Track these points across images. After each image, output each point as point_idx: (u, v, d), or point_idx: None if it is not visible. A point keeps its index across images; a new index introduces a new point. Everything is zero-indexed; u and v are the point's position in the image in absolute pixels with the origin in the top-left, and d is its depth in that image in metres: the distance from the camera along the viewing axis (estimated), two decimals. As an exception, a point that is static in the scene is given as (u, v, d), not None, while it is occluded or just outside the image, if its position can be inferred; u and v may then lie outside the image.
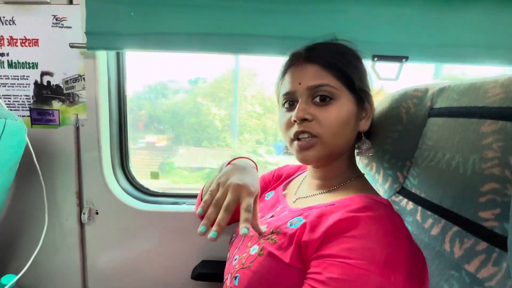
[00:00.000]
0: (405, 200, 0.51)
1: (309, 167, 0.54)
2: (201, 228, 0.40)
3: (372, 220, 0.36)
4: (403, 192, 0.52)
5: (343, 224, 0.37)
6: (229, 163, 0.51)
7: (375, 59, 0.72)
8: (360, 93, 0.46)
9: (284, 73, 0.50)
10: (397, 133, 0.53)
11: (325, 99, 0.44)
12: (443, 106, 0.45)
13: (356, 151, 0.51)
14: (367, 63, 0.70)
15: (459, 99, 0.41)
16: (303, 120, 0.44)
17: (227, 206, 0.41)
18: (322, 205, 0.42)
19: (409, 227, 0.49)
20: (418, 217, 0.47)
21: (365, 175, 0.52)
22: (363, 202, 0.39)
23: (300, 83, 0.45)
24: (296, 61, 0.48)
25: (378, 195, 0.47)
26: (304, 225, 0.41)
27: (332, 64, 0.44)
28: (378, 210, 0.38)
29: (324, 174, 0.51)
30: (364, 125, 0.49)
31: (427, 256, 0.43)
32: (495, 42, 0.72)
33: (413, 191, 0.49)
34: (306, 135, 0.44)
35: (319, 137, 0.44)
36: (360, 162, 0.64)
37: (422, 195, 0.46)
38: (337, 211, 0.39)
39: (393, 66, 0.74)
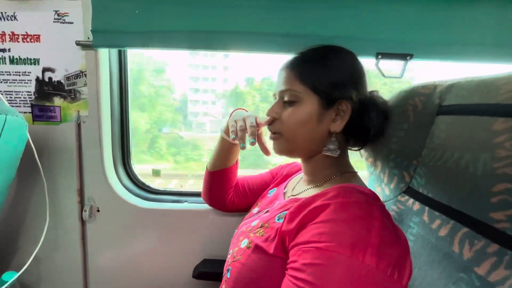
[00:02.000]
0: (412, 200, 0.50)
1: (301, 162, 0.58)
2: (241, 144, 0.55)
3: (343, 205, 0.38)
4: (410, 192, 0.51)
5: (315, 212, 0.39)
6: (232, 113, 0.65)
7: (379, 57, 0.70)
8: (327, 96, 0.47)
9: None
10: (403, 132, 0.52)
11: (291, 102, 0.49)
12: (452, 103, 0.43)
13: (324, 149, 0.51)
14: (371, 61, 0.71)
15: (469, 96, 0.40)
16: (273, 118, 0.51)
17: (251, 124, 0.56)
18: (305, 197, 0.43)
19: (415, 228, 0.48)
20: (425, 218, 0.46)
21: (357, 173, 0.52)
22: (340, 190, 0.40)
23: (278, 87, 0.52)
24: (282, 66, 0.53)
25: (365, 186, 0.46)
26: (285, 216, 0.43)
27: (299, 68, 0.49)
28: (352, 197, 0.39)
29: (308, 169, 0.54)
30: (336, 127, 0.48)
31: (434, 257, 0.42)
32: (502, 40, 0.71)
33: (420, 191, 0.48)
34: (272, 132, 0.53)
35: (281, 133, 0.50)
36: (366, 161, 0.63)
37: (430, 195, 0.45)
38: (315, 200, 0.40)
39: (398, 64, 0.72)
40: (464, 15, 0.70)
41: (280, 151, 0.52)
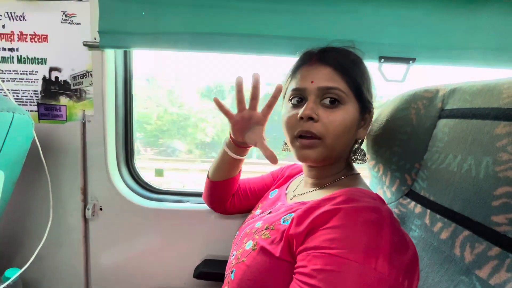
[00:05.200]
0: (413, 203, 0.50)
1: (304, 166, 0.55)
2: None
3: (354, 210, 0.37)
4: (411, 194, 0.51)
5: (325, 216, 0.38)
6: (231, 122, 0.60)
7: (382, 60, 0.71)
8: (365, 103, 0.47)
9: (295, 70, 0.50)
10: (406, 135, 0.52)
11: (334, 102, 0.45)
12: (454, 107, 0.44)
13: (352, 157, 0.52)
14: (374, 65, 0.71)
15: (471, 100, 0.41)
16: (310, 119, 0.45)
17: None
18: (313, 201, 0.43)
19: (417, 231, 0.48)
20: (427, 221, 0.46)
21: (359, 174, 0.52)
22: (349, 194, 0.39)
23: (312, 82, 0.46)
24: (309, 61, 0.48)
25: (369, 189, 0.46)
26: (293, 219, 0.42)
27: (346, 70, 0.45)
28: (362, 202, 0.38)
29: (318, 174, 0.52)
30: (362, 134, 0.50)
31: (435, 260, 0.42)
32: (504, 45, 0.71)
33: (422, 193, 0.48)
34: (308, 135, 0.45)
35: (322, 138, 0.45)
36: (368, 164, 0.63)
37: (431, 198, 0.45)
38: (324, 205, 0.40)
39: (400, 67, 0.73)
40: (466, 20, 0.70)
41: (316, 159, 0.46)
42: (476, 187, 0.37)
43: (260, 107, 0.56)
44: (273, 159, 0.52)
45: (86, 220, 0.84)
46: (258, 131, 0.55)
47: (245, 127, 0.56)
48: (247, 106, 0.55)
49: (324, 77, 0.45)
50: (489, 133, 0.36)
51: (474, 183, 0.37)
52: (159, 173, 0.99)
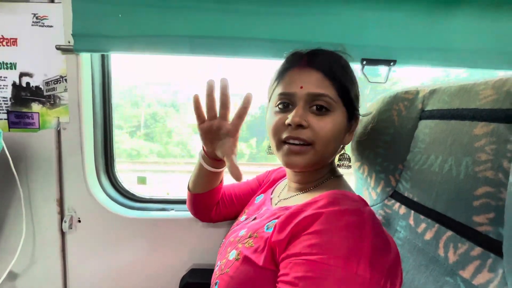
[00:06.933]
0: (398, 204, 0.50)
1: (288, 170, 0.54)
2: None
3: (334, 214, 0.36)
4: (396, 196, 0.51)
5: (307, 221, 0.37)
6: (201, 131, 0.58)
7: (364, 62, 0.72)
8: (352, 109, 0.47)
9: (282, 73, 0.48)
10: (389, 136, 0.52)
11: (322, 109, 0.44)
12: (434, 108, 0.44)
13: (338, 162, 0.53)
14: (356, 67, 0.72)
15: (450, 101, 0.41)
16: (298, 126, 0.43)
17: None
18: (295, 206, 0.42)
19: (402, 232, 0.48)
20: (411, 222, 0.46)
21: (343, 176, 0.52)
22: (331, 198, 0.39)
23: (302, 87, 0.44)
24: (297, 63, 0.47)
25: (352, 191, 0.46)
26: (275, 226, 0.41)
27: (336, 76, 0.44)
28: (344, 205, 0.38)
29: (302, 179, 0.51)
30: (347, 139, 0.50)
31: (421, 262, 0.42)
32: (482, 46, 0.73)
33: (406, 194, 0.48)
34: (297, 142, 0.44)
35: (312, 145, 0.44)
36: (353, 165, 0.63)
37: (415, 199, 0.46)
38: (306, 209, 0.39)
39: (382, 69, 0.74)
40: (446, 22, 0.72)
41: (304, 166, 0.45)
42: (457, 187, 0.37)
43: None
44: (237, 176, 0.47)
45: (63, 234, 0.79)
46: (229, 143, 0.51)
47: (214, 137, 0.52)
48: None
49: (314, 83, 0.44)
50: (468, 134, 0.36)
51: (455, 183, 0.37)
52: (142, 180, 0.96)
